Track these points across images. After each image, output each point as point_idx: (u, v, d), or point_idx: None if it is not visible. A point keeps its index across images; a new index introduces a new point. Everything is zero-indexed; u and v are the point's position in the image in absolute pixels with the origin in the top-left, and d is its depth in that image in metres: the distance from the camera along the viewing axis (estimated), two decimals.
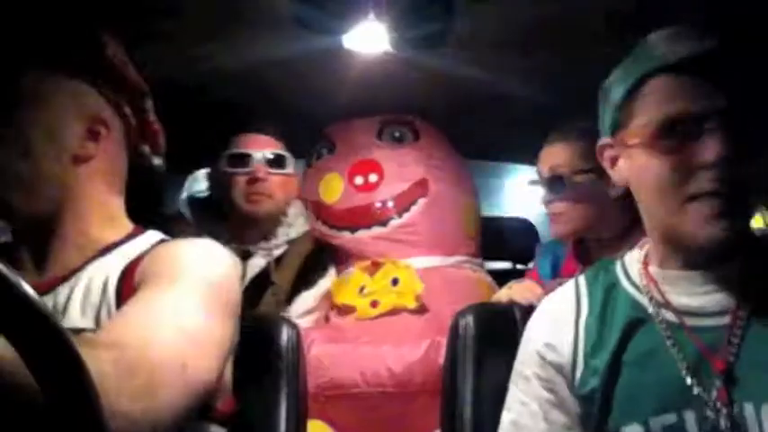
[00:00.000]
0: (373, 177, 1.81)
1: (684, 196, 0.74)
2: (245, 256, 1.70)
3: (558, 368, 0.85)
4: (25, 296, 0.42)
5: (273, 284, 1.68)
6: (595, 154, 1.41)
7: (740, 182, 0.72)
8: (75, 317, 0.79)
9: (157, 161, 0.92)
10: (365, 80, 1.62)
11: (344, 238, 1.81)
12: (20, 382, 0.47)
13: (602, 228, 1.44)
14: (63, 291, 0.82)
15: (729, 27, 0.75)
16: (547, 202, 1.47)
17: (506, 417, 0.89)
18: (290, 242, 1.78)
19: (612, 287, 0.87)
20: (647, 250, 0.87)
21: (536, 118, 1.50)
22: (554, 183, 1.44)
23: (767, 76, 0.74)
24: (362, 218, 1.79)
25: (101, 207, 0.87)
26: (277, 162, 1.73)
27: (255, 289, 1.67)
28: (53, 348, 0.43)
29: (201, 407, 0.75)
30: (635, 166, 0.80)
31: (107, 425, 0.45)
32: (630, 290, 0.85)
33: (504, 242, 2.21)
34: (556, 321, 0.88)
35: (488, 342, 1.14)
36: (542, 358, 0.86)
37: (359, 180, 1.82)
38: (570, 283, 0.93)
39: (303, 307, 1.69)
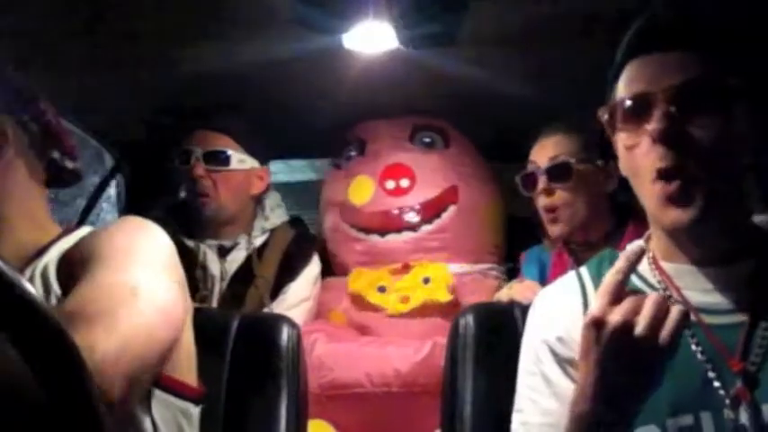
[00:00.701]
0: (405, 182, 1.80)
1: (649, 177, 0.73)
2: (222, 252, 1.69)
3: (571, 364, 0.81)
4: (25, 295, 0.42)
5: (256, 278, 1.66)
6: (591, 145, 1.41)
7: (702, 161, 0.70)
8: None
9: (71, 164, 0.92)
10: (365, 80, 1.62)
11: (373, 241, 1.80)
12: (18, 380, 0.47)
13: (594, 226, 1.43)
14: None
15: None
16: (547, 192, 1.43)
17: (517, 418, 0.86)
18: (270, 233, 1.76)
19: None
20: (652, 244, 0.84)
21: (536, 118, 1.50)
22: (559, 170, 1.41)
23: (726, 56, 0.73)
24: (393, 222, 1.78)
25: (26, 212, 0.89)
26: (219, 159, 1.68)
27: (239, 284, 1.65)
28: (53, 347, 0.43)
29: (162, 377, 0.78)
30: (620, 153, 0.80)
31: (106, 422, 0.45)
32: (639, 284, 0.82)
33: (508, 242, 2.20)
34: (564, 314, 0.84)
35: (488, 342, 1.14)
36: (553, 352, 0.83)
37: (390, 184, 1.80)
38: (571, 276, 0.90)
39: (294, 298, 1.68)
